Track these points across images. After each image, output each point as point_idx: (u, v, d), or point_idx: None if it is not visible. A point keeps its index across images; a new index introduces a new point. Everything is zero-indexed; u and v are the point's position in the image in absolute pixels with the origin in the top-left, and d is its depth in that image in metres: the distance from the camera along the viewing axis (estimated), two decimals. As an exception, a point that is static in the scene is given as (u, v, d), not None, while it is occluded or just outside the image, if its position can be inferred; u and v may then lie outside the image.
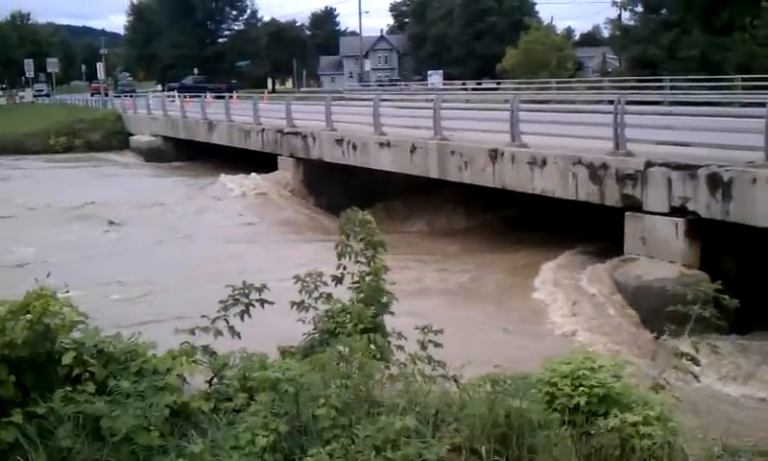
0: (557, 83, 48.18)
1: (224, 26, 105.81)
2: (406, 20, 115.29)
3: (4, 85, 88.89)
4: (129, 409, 3.51)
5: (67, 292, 4.03)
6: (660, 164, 12.56)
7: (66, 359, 3.72)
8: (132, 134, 42.80)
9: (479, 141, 16.90)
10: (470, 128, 18.16)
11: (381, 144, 19.81)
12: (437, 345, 5.04)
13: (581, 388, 4.07)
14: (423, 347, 5.02)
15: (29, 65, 74.97)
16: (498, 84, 56.42)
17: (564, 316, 12.17)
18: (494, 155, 15.93)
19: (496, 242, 17.82)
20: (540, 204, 16.55)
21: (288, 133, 24.55)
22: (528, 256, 15.93)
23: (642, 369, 6.36)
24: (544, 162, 14.74)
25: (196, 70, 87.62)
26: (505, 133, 16.02)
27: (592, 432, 3.88)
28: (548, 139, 15.47)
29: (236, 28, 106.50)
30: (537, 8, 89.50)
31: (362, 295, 5.35)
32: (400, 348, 5.14)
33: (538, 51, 61.89)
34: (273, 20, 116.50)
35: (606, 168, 13.50)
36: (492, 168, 16.01)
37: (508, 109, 16.34)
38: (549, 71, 57.51)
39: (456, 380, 4.36)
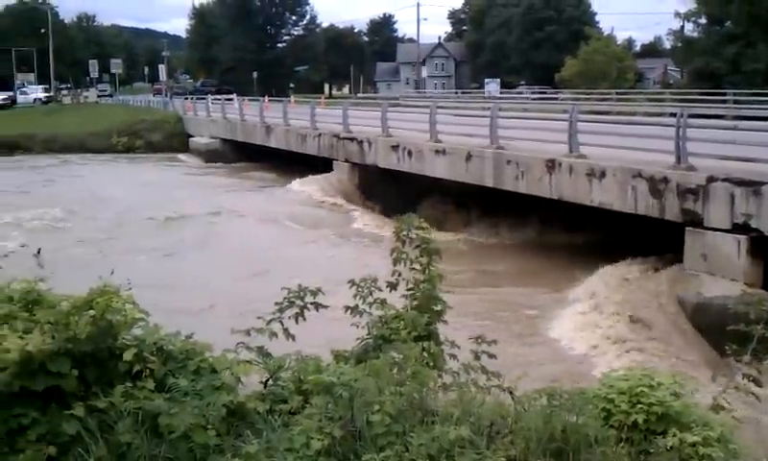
0: (617, 94, 47.50)
1: (283, 31, 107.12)
2: (464, 28, 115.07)
3: (69, 85, 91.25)
4: (187, 407, 3.54)
5: (130, 289, 4.10)
6: (723, 179, 12.28)
7: (127, 356, 3.78)
8: (191, 136, 43.56)
9: (536, 151, 16.75)
10: (527, 137, 18.00)
11: (437, 151, 19.79)
12: (490, 356, 5.01)
13: (639, 405, 4.00)
14: (477, 357, 4.99)
15: (93, 66, 76.97)
16: (557, 93, 55.91)
17: (619, 330, 11.95)
18: (552, 165, 15.77)
19: (550, 254, 17.60)
20: (581, 215, 16.34)
21: (344, 139, 24.70)
22: (579, 267, 15.68)
23: (702, 388, 6.20)
24: (603, 174, 14.53)
25: (255, 74, 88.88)
26: (563, 144, 15.85)
27: (650, 451, 3.79)
28: (607, 151, 15.26)
29: (295, 33, 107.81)
30: (597, 18, 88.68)
31: (416, 302, 5.34)
32: (453, 357, 5.12)
33: (598, 61, 61.21)
34: (331, 26, 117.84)
35: (666, 182, 13.24)
36: (548, 179, 15.85)
37: (566, 120, 16.17)
38: (609, 82, 56.77)
39: (511, 392, 4.31)
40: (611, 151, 15.17)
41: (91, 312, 3.77)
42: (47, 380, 3.69)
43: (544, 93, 56.21)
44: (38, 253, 15.79)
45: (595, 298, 13.47)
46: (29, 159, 41.81)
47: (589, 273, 14.78)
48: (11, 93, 79.76)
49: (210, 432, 3.53)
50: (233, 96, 49.05)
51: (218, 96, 47.64)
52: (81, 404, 3.67)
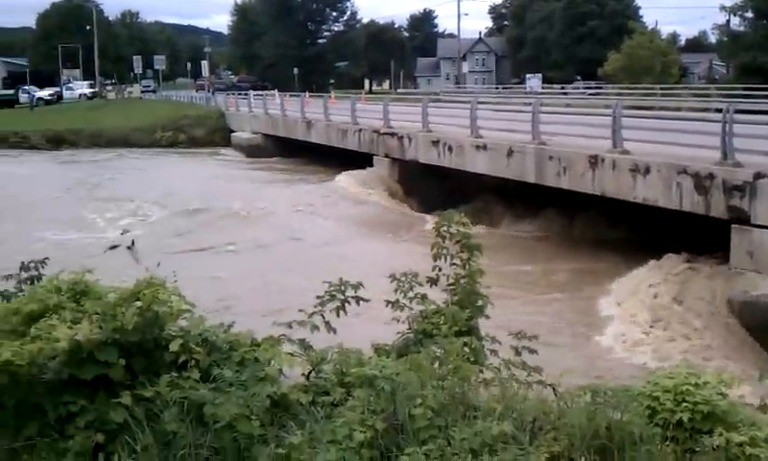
0: (661, 89, 46.78)
1: (324, 27, 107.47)
2: (505, 23, 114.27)
3: (113, 81, 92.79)
4: (231, 397, 3.59)
5: (175, 281, 4.16)
6: (771, 176, 12.05)
7: (174, 346, 3.84)
8: (233, 131, 43.96)
9: (578, 146, 16.59)
10: (570, 133, 17.82)
11: (477, 147, 19.71)
12: (531, 351, 4.99)
13: (684, 404, 3.94)
14: (518, 353, 4.98)
15: (137, 62, 78.19)
16: (599, 88, 55.22)
17: (664, 328, 11.80)
18: (595, 161, 15.61)
19: (591, 249, 17.42)
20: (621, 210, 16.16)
21: (384, 134, 24.72)
22: (622, 263, 15.49)
23: (749, 387, 6.10)
24: (647, 170, 14.34)
25: (296, 70, 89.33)
26: (606, 140, 15.68)
27: (696, 450, 3.74)
28: (651, 147, 15.06)
29: (336, 29, 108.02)
30: (640, 12, 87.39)
31: (456, 297, 5.34)
32: (494, 352, 5.11)
33: (641, 56, 60.17)
34: (372, 21, 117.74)
35: (712, 178, 13.03)
36: (591, 174, 15.69)
37: (610, 115, 15.99)
38: (653, 77, 55.90)
39: (554, 388, 4.29)
40: (655, 146, 14.97)
41: (138, 303, 3.84)
42: (95, 369, 3.77)
43: (600, 89, 55.29)
44: (132, 245, 15.78)
45: (639, 295, 13.32)
46: (84, 153, 42.65)
47: (631, 269, 14.61)
48: (57, 89, 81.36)
49: (254, 422, 3.57)
50: (275, 92, 49.41)
51: (259, 93, 48.11)
52: (128, 393, 3.75)
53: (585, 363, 10.45)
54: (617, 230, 17.92)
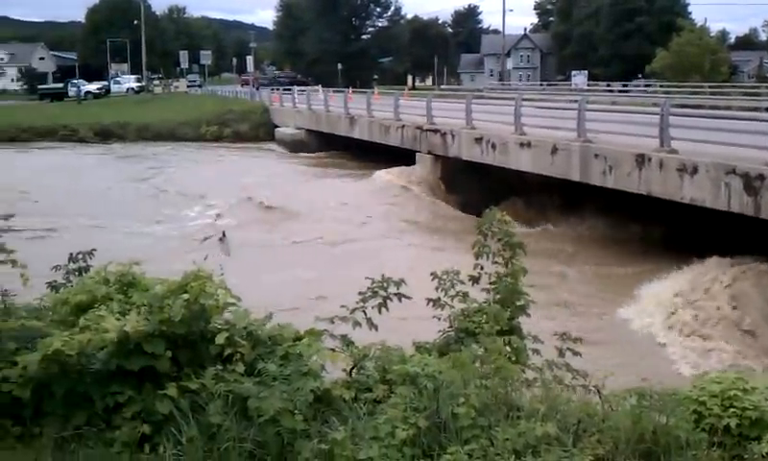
0: (710, 87, 45.92)
1: (368, 23, 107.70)
2: (551, 19, 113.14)
3: (160, 75, 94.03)
4: (275, 392, 3.62)
5: (222, 275, 4.20)
6: (825, 177, 11.75)
7: (219, 339, 3.89)
8: (277, 126, 44.26)
9: (625, 145, 16.35)
10: (616, 131, 17.56)
11: (521, 144, 19.55)
12: (575, 353, 4.94)
13: (732, 409, 3.88)
14: (561, 354, 4.93)
15: (184, 57, 79.05)
16: (647, 86, 54.39)
17: (712, 331, 11.59)
18: (641, 160, 15.36)
19: (633, 251, 17.16)
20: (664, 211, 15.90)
21: (427, 130, 24.66)
22: (665, 262, 15.22)
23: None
24: (695, 170, 14.08)
25: (339, 65, 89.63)
26: (653, 138, 15.43)
27: (744, 457, 3.67)
28: (699, 146, 14.78)
29: (380, 25, 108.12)
30: (689, 9, 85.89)
31: (498, 296, 5.31)
32: (536, 352, 5.08)
33: (690, 53, 59.17)
34: (415, 17, 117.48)
35: (762, 179, 12.73)
36: (637, 173, 15.46)
37: (657, 113, 15.73)
38: (702, 75, 54.90)
39: (599, 391, 4.24)
40: (703, 146, 14.69)
41: (185, 296, 3.88)
42: (142, 360, 3.84)
43: (658, 88, 54.31)
44: (223, 236, 15.83)
45: (684, 296, 13.08)
46: (132, 147, 43.33)
47: (675, 269, 14.37)
48: (105, 83, 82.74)
49: (298, 417, 3.59)
50: (318, 87, 49.65)
51: (302, 89, 48.49)
52: (173, 385, 3.80)
53: (632, 363, 10.30)
54: (655, 229, 17.68)
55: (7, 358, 3.97)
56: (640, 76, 66.38)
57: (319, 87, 49.57)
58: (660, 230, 17.66)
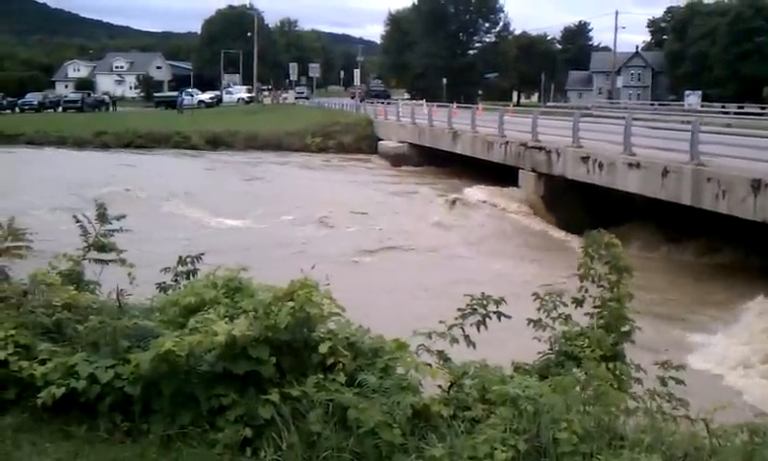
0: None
1: (475, 38, 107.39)
2: (664, 37, 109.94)
3: (269, 86, 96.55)
4: (375, 404, 3.64)
5: (328, 284, 4.27)
6: None
7: (323, 348, 3.95)
8: (380, 139, 44.68)
9: (740, 169, 15.70)
10: (730, 154, 16.88)
11: (630, 165, 19.04)
12: (678, 382, 4.78)
13: None
14: (664, 383, 4.77)
15: (293, 69, 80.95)
16: (763, 108, 52.10)
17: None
18: (757, 185, 14.71)
19: (744, 282, 16.40)
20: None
21: (531, 147, 24.37)
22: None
23: None
24: (816, 198, 13.39)
25: (445, 80, 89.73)
26: (771, 163, 14.78)
27: None
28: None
29: (487, 40, 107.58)
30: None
31: (602, 320, 5.18)
32: (638, 380, 4.93)
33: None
34: (524, 33, 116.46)
35: None
36: (753, 199, 14.80)
37: (776, 137, 15.06)
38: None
39: (706, 423, 4.07)
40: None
41: (291, 304, 3.96)
42: (248, 365, 3.93)
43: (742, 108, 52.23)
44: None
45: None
46: (247, 156, 44.62)
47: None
48: (217, 92, 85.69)
49: (396, 431, 3.60)
50: (423, 102, 49.90)
51: (387, 102, 49.46)
52: (276, 391, 3.88)
53: (734, 399, 9.84)
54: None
55: (120, 356, 4.14)
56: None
57: (423, 101, 49.75)
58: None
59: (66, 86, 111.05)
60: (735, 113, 52.06)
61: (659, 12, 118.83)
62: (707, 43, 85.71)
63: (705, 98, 66.66)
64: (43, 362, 4.16)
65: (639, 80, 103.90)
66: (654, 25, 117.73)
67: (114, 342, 4.21)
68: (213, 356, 3.93)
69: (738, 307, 14.20)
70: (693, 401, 4.52)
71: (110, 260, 5.64)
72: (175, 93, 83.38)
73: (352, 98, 72.71)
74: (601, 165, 20.27)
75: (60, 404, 4.03)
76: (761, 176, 14.76)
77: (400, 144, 40.84)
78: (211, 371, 3.97)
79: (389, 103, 52.92)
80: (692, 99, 65.22)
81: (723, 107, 55.95)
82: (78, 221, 5.78)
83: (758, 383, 10.81)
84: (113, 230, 5.69)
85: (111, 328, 4.22)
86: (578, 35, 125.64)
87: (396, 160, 39.95)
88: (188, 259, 5.66)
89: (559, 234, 20.88)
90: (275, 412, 3.78)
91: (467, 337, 4.78)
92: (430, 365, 4.38)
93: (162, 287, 5.55)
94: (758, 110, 51.94)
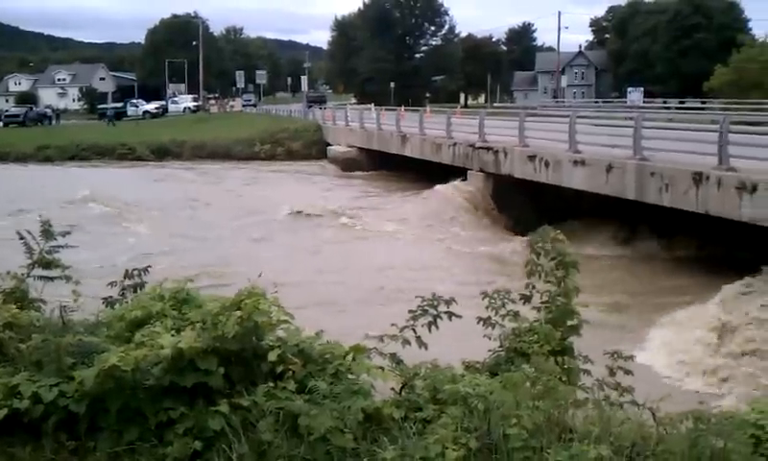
0: (771, 104, 44.74)
1: (422, 41, 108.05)
2: (606, 36, 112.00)
3: (216, 95, 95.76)
4: (326, 410, 3.62)
5: (276, 292, 4.23)
6: None
7: (272, 356, 3.91)
8: (329, 145, 44.64)
9: (681, 163, 16.06)
10: (672, 148, 17.27)
11: (575, 162, 19.35)
12: (627, 372, 4.85)
13: (792, 433, 3.76)
14: (612, 373, 4.84)
15: (240, 77, 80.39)
16: (704, 103, 53.36)
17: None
18: (699, 178, 15.07)
19: (692, 271, 16.78)
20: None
21: (479, 148, 24.60)
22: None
23: None
24: (755, 188, 13.75)
25: (392, 84, 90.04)
26: (711, 156, 15.12)
27: (807, 485, 3.55)
28: (758, 163, 14.44)
29: (434, 43, 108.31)
30: (750, 24, 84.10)
31: (550, 315, 5.23)
32: (587, 372, 4.99)
33: (751, 70, 57.80)
34: (469, 35, 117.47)
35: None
36: (695, 192, 15.16)
37: (716, 130, 15.42)
38: (764, 91, 53.60)
39: (653, 412, 4.14)
40: (764, 163, 14.35)
41: (239, 313, 3.92)
42: (195, 377, 3.87)
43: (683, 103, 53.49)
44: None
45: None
46: (199, 165, 44.16)
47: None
48: (162, 102, 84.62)
49: (348, 436, 3.58)
50: (371, 106, 50.02)
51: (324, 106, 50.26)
52: (225, 402, 3.83)
53: (677, 388, 10.08)
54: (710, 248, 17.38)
55: (64, 374, 4.05)
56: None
57: (371, 106, 49.85)
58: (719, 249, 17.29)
59: (7, 100, 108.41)
60: (677, 109, 53.22)
61: (600, 11, 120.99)
62: (648, 41, 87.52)
63: (647, 95, 67.94)
64: (-16, 384, 4.04)
65: (583, 78, 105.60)
66: (596, 24, 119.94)
67: (58, 359, 4.11)
68: (160, 370, 3.86)
69: (688, 299, 14.53)
70: (640, 391, 4.59)
71: (55, 277, 5.51)
72: (120, 104, 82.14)
73: (310, 106, 72.86)
74: (547, 163, 20.55)
75: (2, 426, 3.93)
76: (702, 169, 15.12)
77: (350, 149, 40.87)
78: (158, 384, 3.90)
79: (326, 108, 53.81)
80: (635, 96, 66.45)
81: (665, 102, 57.16)
82: (22, 238, 5.64)
83: (700, 372, 11.10)
84: (59, 247, 5.56)
85: (55, 346, 4.12)
86: (522, 36, 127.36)
87: (346, 165, 39.98)
88: (135, 272, 5.56)
89: (505, 233, 21.07)
90: (224, 423, 3.73)
91: (418, 338, 4.78)
92: (382, 368, 4.38)
93: (109, 302, 5.44)
94: (699, 105, 53.12)
